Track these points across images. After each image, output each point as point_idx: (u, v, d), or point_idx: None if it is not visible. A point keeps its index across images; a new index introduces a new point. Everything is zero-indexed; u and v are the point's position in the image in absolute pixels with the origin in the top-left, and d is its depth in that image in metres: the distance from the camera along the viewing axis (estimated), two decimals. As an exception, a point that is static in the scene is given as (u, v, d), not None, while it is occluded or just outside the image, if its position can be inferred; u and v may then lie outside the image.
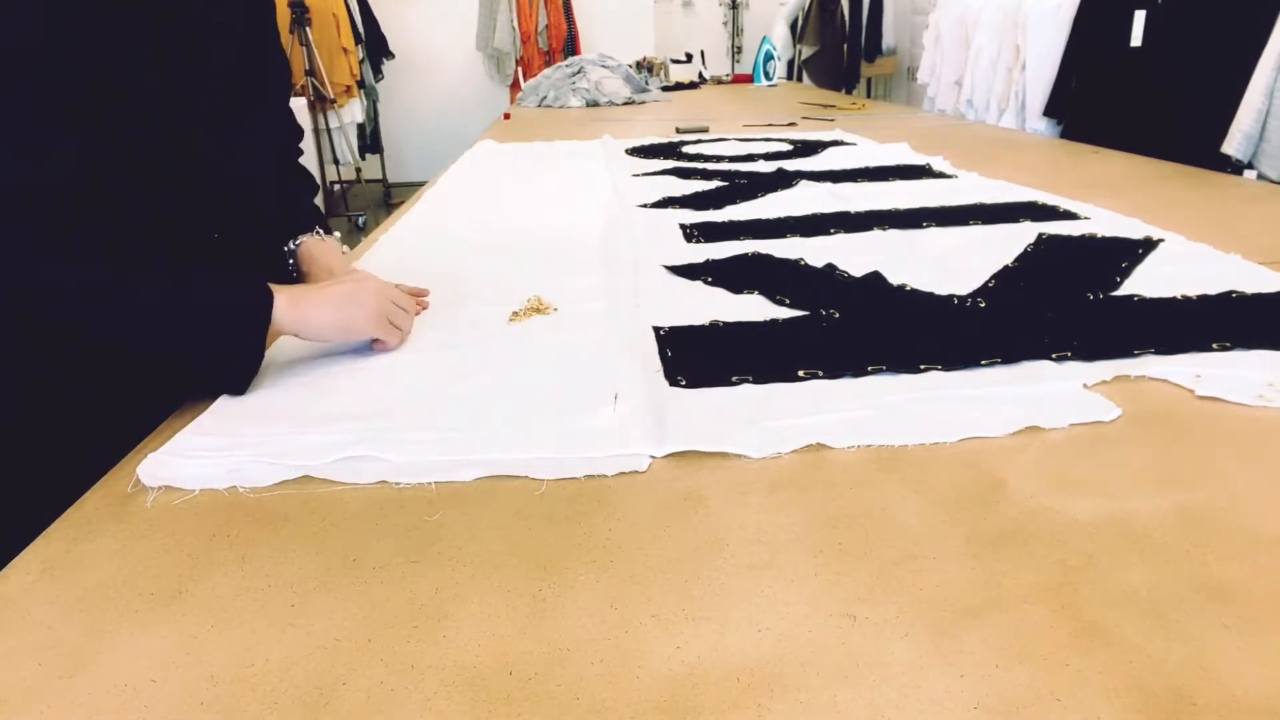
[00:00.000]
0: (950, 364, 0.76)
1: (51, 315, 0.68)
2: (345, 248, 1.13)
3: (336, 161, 5.02)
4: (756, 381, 0.74)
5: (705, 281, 1.02)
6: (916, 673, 0.41)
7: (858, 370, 0.75)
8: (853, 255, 1.09)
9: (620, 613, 0.47)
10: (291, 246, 0.97)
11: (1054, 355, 0.77)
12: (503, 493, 0.59)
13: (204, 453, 0.64)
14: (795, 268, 1.06)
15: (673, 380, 0.74)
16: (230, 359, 0.72)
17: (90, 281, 0.69)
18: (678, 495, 0.58)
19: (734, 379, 0.74)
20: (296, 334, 0.77)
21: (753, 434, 0.65)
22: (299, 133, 1.09)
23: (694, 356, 0.79)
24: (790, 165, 1.79)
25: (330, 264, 0.96)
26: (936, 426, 0.65)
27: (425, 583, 0.50)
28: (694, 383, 0.74)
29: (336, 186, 5.29)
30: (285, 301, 0.74)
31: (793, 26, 5.49)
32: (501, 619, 0.46)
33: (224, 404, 0.72)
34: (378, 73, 5.44)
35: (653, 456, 0.63)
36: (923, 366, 0.75)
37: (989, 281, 0.98)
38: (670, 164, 1.87)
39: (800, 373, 0.75)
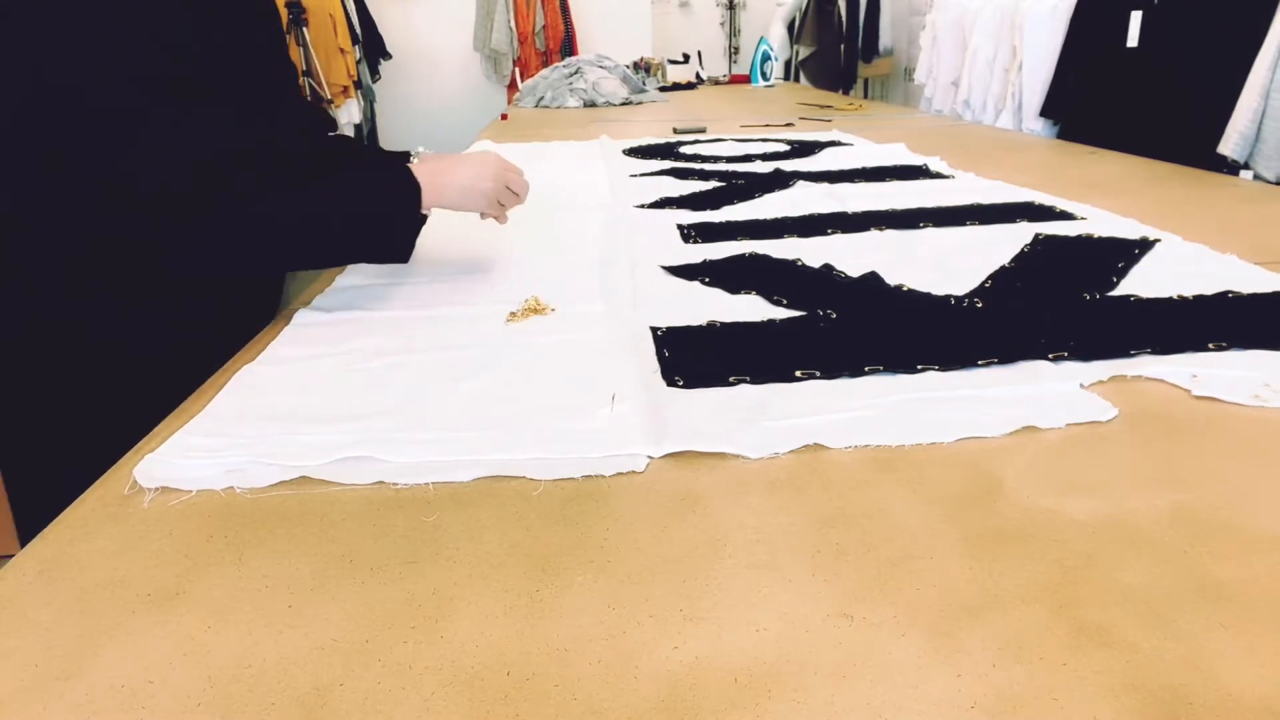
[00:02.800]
0: (947, 364, 0.76)
1: (257, 245, 0.88)
2: None
3: (334, 162, 5.01)
4: (754, 382, 0.74)
5: (703, 282, 1.02)
6: (914, 672, 0.41)
7: (855, 370, 0.75)
8: (850, 256, 1.09)
9: (618, 613, 0.47)
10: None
11: (1051, 355, 0.77)
12: (500, 493, 0.59)
13: (201, 453, 0.64)
14: (793, 268, 1.06)
15: (670, 380, 0.74)
16: (397, 244, 0.95)
17: (285, 213, 0.88)
18: (675, 496, 0.58)
19: (731, 379, 0.74)
20: (433, 206, 0.97)
21: (750, 434, 0.65)
22: None
23: (691, 357, 0.79)
24: (787, 166, 1.79)
25: None
26: (934, 427, 0.65)
27: (423, 583, 0.50)
28: (691, 383, 0.74)
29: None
30: (425, 185, 0.95)
31: (790, 27, 5.49)
32: (499, 619, 0.46)
33: (220, 404, 0.72)
34: (375, 73, 5.44)
35: (650, 457, 0.63)
36: (920, 367, 0.75)
37: (986, 282, 0.98)
38: (667, 164, 1.87)
39: (798, 373, 0.75)
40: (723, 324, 0.88)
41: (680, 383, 0.74)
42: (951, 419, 0.66)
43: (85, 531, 0.56)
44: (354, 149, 1.26)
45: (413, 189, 0.94)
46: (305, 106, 1.22)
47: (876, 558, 0.51)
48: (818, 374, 0.75)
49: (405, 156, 1.15)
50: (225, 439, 0.66)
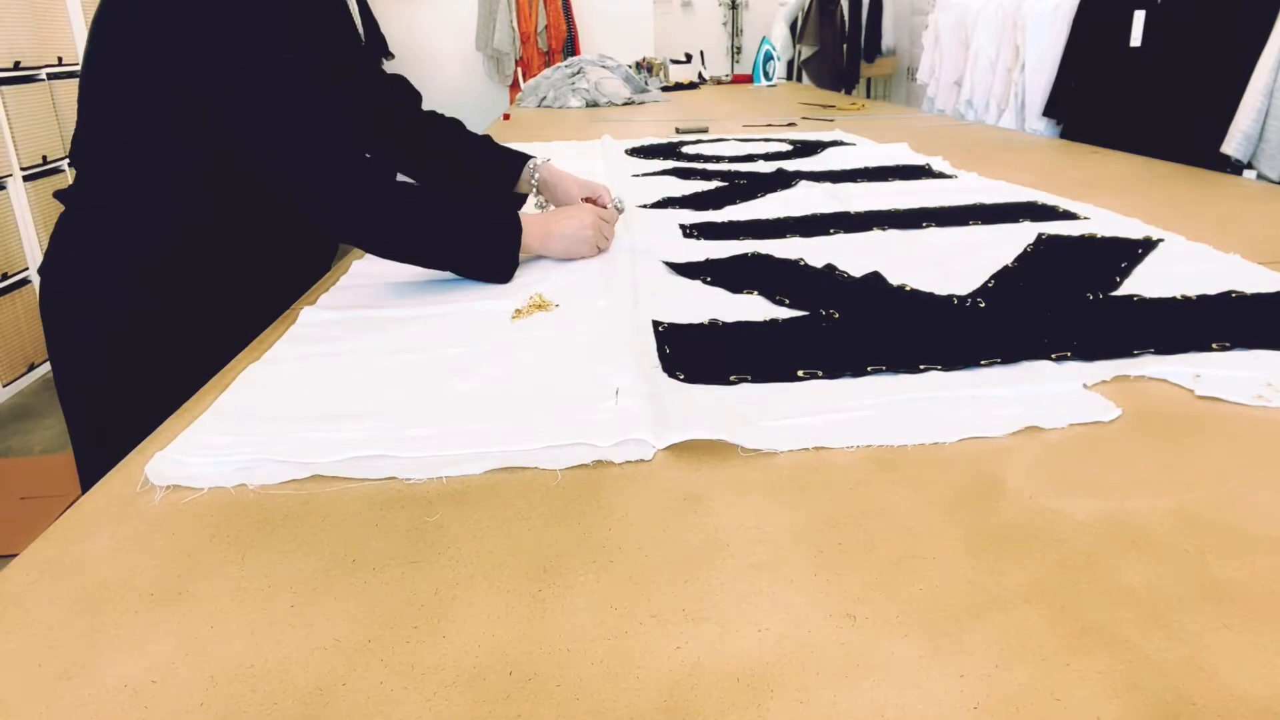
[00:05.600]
0: (950, 364, 0.76)
1: (390, 237, 0.98)
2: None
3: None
4: (756, 381, 0.74)
5: (705, 281, 1.02)
6: (916, 673, 0.41)
7: (857, 370, 0.75)
8: (852, 255, 1.09)
9: (620, 613, 0.47)
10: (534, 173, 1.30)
11: (1054, 355, 0.77)
12: (503, 493, 0.59)
13: (212, 451, 0.64)
14: (795, 268, 1.06)
15: (671, 375, 0.74)
16: (497, 265, 1.04)
17: (418, 210, 0.97)
18: (678, 495, 0.58)
19: (733, 378, 0.74)
20: (539, 253, 1.10)
21: (752, 434, 0.65)
22: None
23: (692, 354, 0.79)
24: (790, 165, 1.79)
25: (567, 187, 1.27)
26: (936, 427, 0.65)
27: (425, 583, 0.50)
28: (692, 380, 0.74)
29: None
30: (535, 232, 1.07)
31: (792, 27, 5.48)
32: (501, 619, 0.46)
33: (228, 402, 0.72)
34: (377, 73, 5.44)
35: (655, 448, 0.63)
36: (922, 367, 0.75)
37: (988, 282, 0.98)
38: (670, 164, 1.87)
39: (800, 373, 0.75)
40: (724, 323, 0.88)
41: (681, 376, 0.74)
42: (954, 419, 0.66)
43: (88, 531, 0.56)
44: (460, 132, 1.31)
45: (515, 233, 1.04)
46: (392, 79, 1.26)
47: (879, 558, 0.51)
48: (820, 374, 0.75)
49: (524, 158, 1.28)
50: (235, 437, 0.66)
